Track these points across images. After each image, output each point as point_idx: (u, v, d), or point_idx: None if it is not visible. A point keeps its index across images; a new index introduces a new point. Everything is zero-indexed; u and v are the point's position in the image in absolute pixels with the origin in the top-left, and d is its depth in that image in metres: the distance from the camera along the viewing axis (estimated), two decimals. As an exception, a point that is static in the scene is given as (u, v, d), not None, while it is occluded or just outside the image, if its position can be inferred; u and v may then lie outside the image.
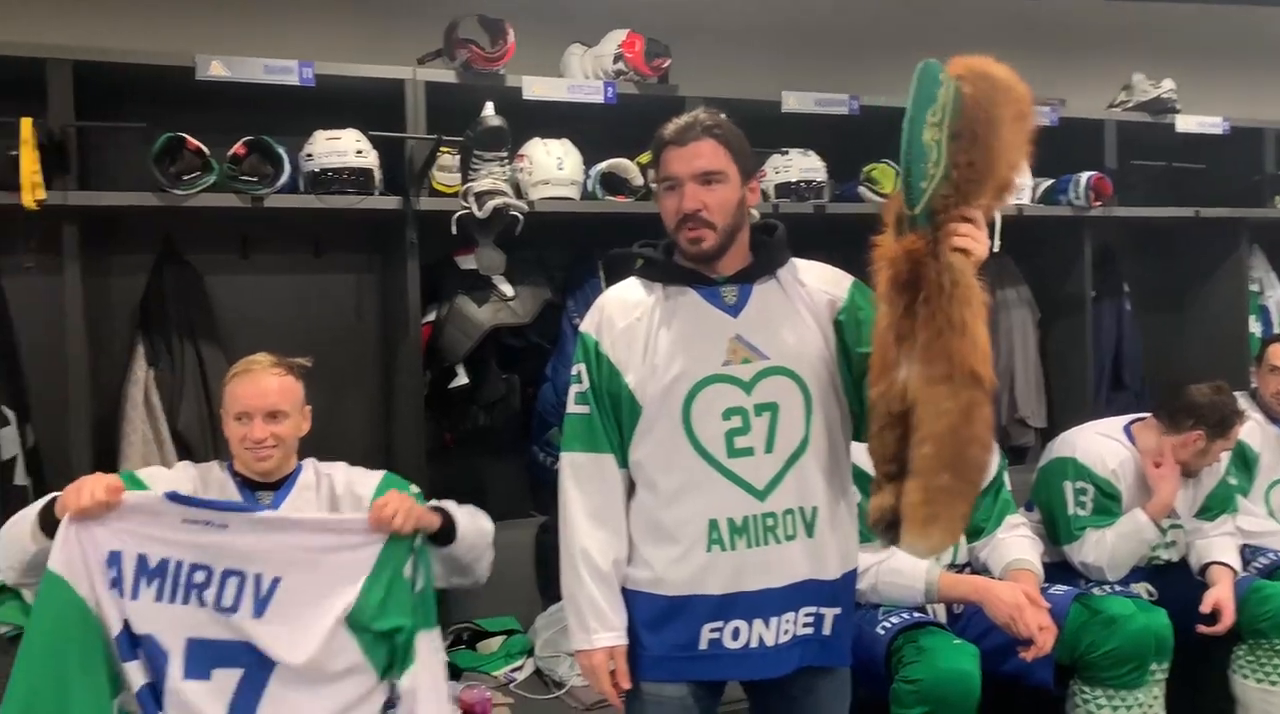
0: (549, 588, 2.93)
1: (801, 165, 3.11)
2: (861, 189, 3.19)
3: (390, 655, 1.86)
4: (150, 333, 2.69)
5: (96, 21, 2.75)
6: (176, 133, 2.47)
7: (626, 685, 1.76)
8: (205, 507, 1.82)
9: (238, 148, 2.54)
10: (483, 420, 2.97)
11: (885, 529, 1.62)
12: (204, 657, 1.78)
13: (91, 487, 1.74)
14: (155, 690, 1.75)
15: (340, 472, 2.09)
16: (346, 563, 1.84)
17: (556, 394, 2.99)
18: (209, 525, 1.79)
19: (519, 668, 2.66)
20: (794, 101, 3.05)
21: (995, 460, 2.52)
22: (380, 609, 1.84)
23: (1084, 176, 3.46)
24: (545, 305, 2.98)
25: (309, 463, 2.08)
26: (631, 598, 1.79)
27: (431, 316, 2.88)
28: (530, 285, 2.96)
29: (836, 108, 3.10)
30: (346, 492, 2.04)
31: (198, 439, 2.63)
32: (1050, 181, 3.52)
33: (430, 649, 1.88)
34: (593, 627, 1.75)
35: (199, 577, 1.78)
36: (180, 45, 2.64)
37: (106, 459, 2.56)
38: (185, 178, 2.48)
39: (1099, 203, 3.47)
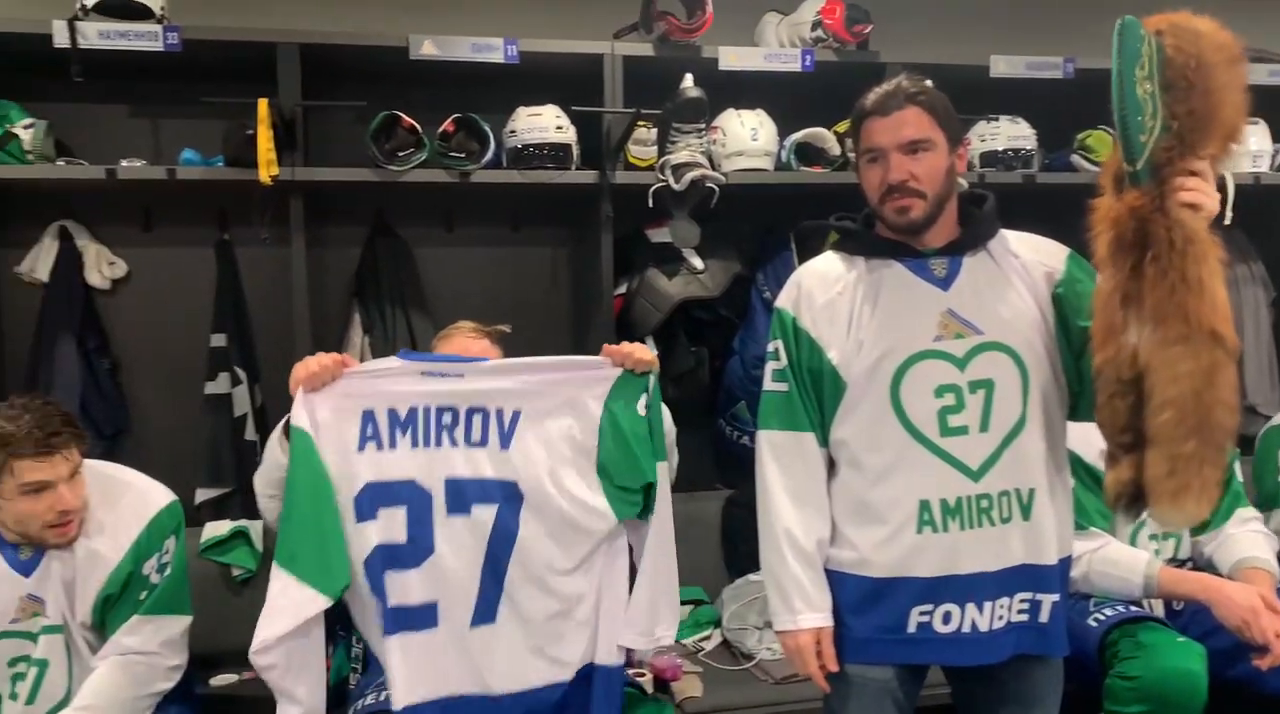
0: (735, 561, 2.93)
1: (1009, 133, 2.96)
2: (1075, 158, 3.00)
3: (631, 507, 1.91)
4: (365, 301, 2.86)
5: (317, 6, 2.91)
6: (392, 111, 2.60)
7: (834, 668, 1.73)
8: (439, 360, 1.94)
9: (447, 125, 2.65)
10: (671, 392, 2.95)
11: (1127, 504, 1.53)
12: (463, 493, 1.87)
13: (317, 357, 1.84)
14: (387, 555, 1.83)
15: None
16: (583, 390, 1.91)
17: (744, 368, 2.98)
18: (446, 376, 1.89)
19: (706, 638, 2.69)
20: (1003, 66, 2.90)
21: None
22: (623, 437, 1.88)
23: (1333, 141, 3.12)
24: (735, 279, 2.97)
25: None
26: (835, 579, 1.75)
27: (622, 289, 2.92)
28: (720, 258, 2.95)
29: (1049, 71, 2.93)
30: None
31: (406, 402, 2.77)
32: (1292, 147, 3.20)
33: (664, 485, 1.91)
34: (798, 607, 1.72)
35: (446, 418, 1.88)
36: (392, 27, 2.76)
37: (325, 419, 2.73)
38: (399, 154, 2.60)
39: (1350, 170, 3.13)
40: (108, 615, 1.96)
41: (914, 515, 1.68)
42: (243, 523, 2.67)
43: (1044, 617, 1.72)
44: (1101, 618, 2.15)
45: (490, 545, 1.87)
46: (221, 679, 2.59)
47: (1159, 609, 2.30)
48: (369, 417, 1.86)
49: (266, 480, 1.91)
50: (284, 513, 1.79)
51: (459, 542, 1.86)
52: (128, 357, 2.86)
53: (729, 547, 2.96)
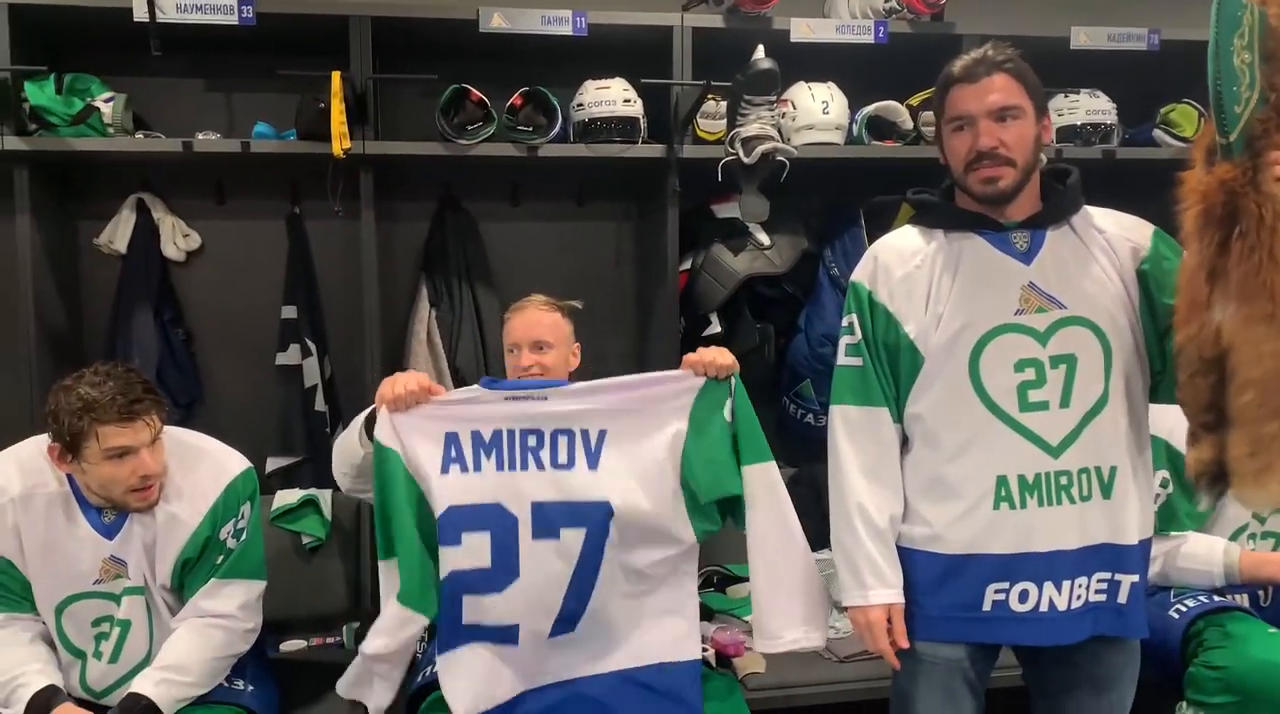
0: (798, 540, 2.91)
1: (1088, 107, 2.87)
2: (1157, 132, 2.90)
3: (712, 523, 1.93)
4: (432, 275, 2.88)
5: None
6: (461, 84, 2.60)
7: (905, 644, 1.72)
8: (523, 386, 1.95)
9: (515, 99, 2.65)
10: (736, 369, 2.96)
11: (1209, 484, 1.52)
12: (550, 516, 1.88)
13: (404, 381, 1.87)
14: (468, 580, 1.85)
15: None
16: (667, 403, 1.93)
17: (809, 346, 2.94)
18: (531, 400, 1.91)
19: (770, 615, 2.67)
20: (1085, 37, 2.81)
21: None
22: (706, 447, 1.90)
23: None
24: (802, 255, 2.93)
25: None
26: (907, 556, 1.74)
27: (687, 264, 2.90)
28: (787, 234, 2.91)
29: (1133, 43, 2.83)
30: None
31: (473, 373, 2.79)
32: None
33: (766, 485, 1.92)
34: (870, 583, 1.71)
35: (532, 441, 1.90)
36: (460, 0, 2.76)
37: (392, 391, 2.76)
38: (468, 128, 2.60)
39: None
40: (186, 578, 2.01)
41: (991, 491, 1.66)
42: (312, 492, 2.70)
43: (1123, 597, 1.69)
44: (1184, 608, 2.11)
45: (578, 567, 1.87)
46: (291, 644, 2.65)
47: (1243, 602, 2.24)
48: (452, 439, 1.88)
49: (342, 462, 1.97)
50: (396, 539, 1.83)
51: (545, 567, 1.87)
52: (201, 328, 2.91)
53: (792, 525, 2.94)
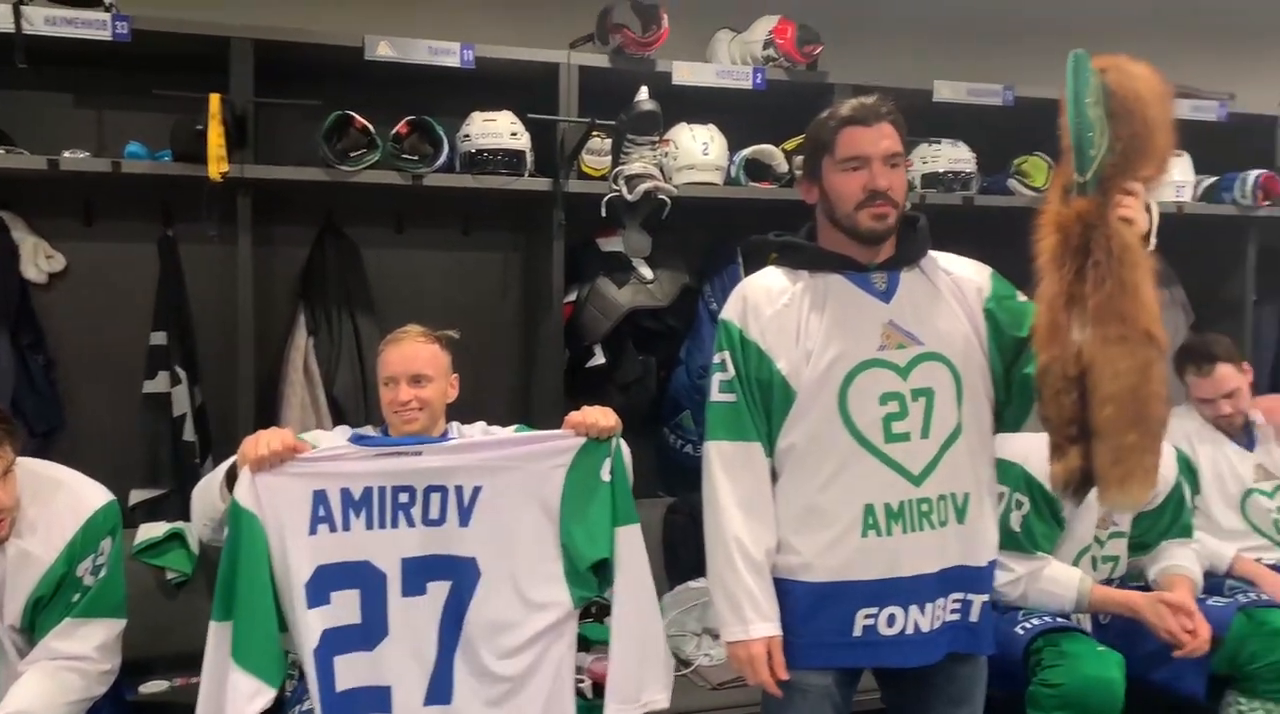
0: (676, 568, 2.96)
1: (950, 156, 3.05)
2: (1011, 182, 3.11)
3: (588, 589, 1.93)
4: (311, 303, 2.83)
5: (273, 1, 2.88)
6: (345, 111, 2.58)
7: (785, 676, 1.74)
8: (395, 444, 1.92)
9: (401, 127, 2.64)
10: (619, 400, 3.00)
11: (1074, 491, 1.66)
12: (418, 572, 1.86)
13: (267, 439, 1.82)
14: (338, 639, 1.82)
15: (479, 429, 2.17)
16: (545, 461, 1.91)
17: (689, 377, 3.02)
18: (404, 456, 1.87)
19: (646, 645, 2.70)
20: (946, 91, 3.00)
21: (1171, 474, 2.47)
22: (584, 509, 1.89)
23: (1251, 174, 3.30)
24: (683, 289, 3.01)
25: (454, 425, 2.17)
26: (779, 586, 1.78)
27: (572, 297, 2.95)
28: (669, 269, 2.99)
29: (990, 98, 3.03)
30: None
31: (352, 405, 2.75)
32: (1214, 179, 3.36)
33: (634, 548, 1.92)
34: (750, 617, 1.73)
35: (403, 497, 1.86)
36: (348, 27, 2.75)
37: (266, 422, 2.68)
38: (351, 155, 2.59)
39: (1266, 202, 3.30)
40: (38, 618, 1.92)
41: (859, 519, 1.73)
42: (179, 525, 2.61)
43: (974, 616, 1.79)
44: (1028, 626, 2.25)
45: (443, 623, 1.86)
46: (153, 686, 2.53)
47: (1086, 623, 2.41)
48: (320, 497, 1.83)
49: (201, 513, 1.92)
50: (236, 605, 1.77)
51: (414, 623, 1.85)
52: (64, 353, 2.78)
53: (670, 554, 2.99)
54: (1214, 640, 2.25)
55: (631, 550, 1.91)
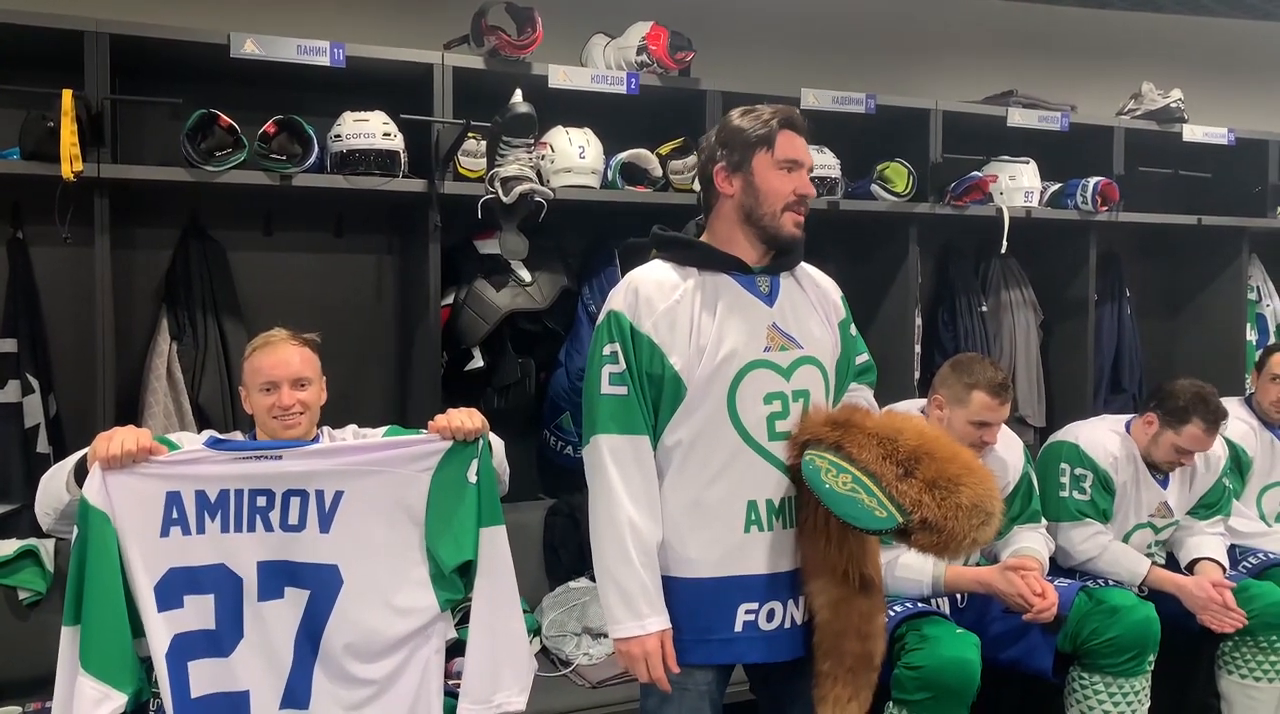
0: (556, 569, 2.99)
1: (817, 162, 3.15)
2: (874, 187, 3.24)
3: (454, 591, 1.91)
4: (174, 307, 2.73)
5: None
6: (209, 109, 2.51)
7: (676, 670, 1.75)
8: (254, 447, 1.87)
9: (268, 126, 2.58)
10: (497, 403, 3.01)
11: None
12: (275, 576, 1.82)
13: (122, 436, 1.75)
14: (192, 643, 1.77)
15: (350, 432, 2.14)
16: (410, 466, 1.88)
17: (569, 380, 3.04)
18: (263, 459, 1.83)
19: (527, 645, 2.71)
20: (813, 99, 3.09)
21: (1018, 464, 2.63)
22: (450, 513, 1.87)
23: (1091, 182, 3.52)
24: (562, 292, 3.03)
25: (324, 430, 2.13)
26: (665, 583, 1.78)
27: (450, 299, 2.93)
28: (548, 271, 3.01)
29: (854, 106, 3.15)
30: None
31: (218, 411, 2.67)
32: (1058, 185, 3.58)
33: (498, 549, 1.90)
34: (644, 611, 1.73)
35: (261, 501, 1.82)
36: (214, 23, 2.67)
37: (129, 429, 2.59)
38: (216, 154, 2.51)
39: (1105, 208, 3.53)
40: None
41: (743, 515, 1.78)
42: (32, 542, 2.49)
43: None
44: (892, 614, 2.35)
45: (302, 629, 1.83)
46: (5, 712, 2.41)
47: (945, 606, 2.55)
48: (174, 499, 1.78)
49: (46, 503, 1.84)
50: (84, 608, 1.71)
51: (270, 628, 1.82)
52: (-100, 361, 2.61)
53: (550, 555, 3.01)
54: (1058, 619, 2.42)
55: (495, 552, 1.90)
